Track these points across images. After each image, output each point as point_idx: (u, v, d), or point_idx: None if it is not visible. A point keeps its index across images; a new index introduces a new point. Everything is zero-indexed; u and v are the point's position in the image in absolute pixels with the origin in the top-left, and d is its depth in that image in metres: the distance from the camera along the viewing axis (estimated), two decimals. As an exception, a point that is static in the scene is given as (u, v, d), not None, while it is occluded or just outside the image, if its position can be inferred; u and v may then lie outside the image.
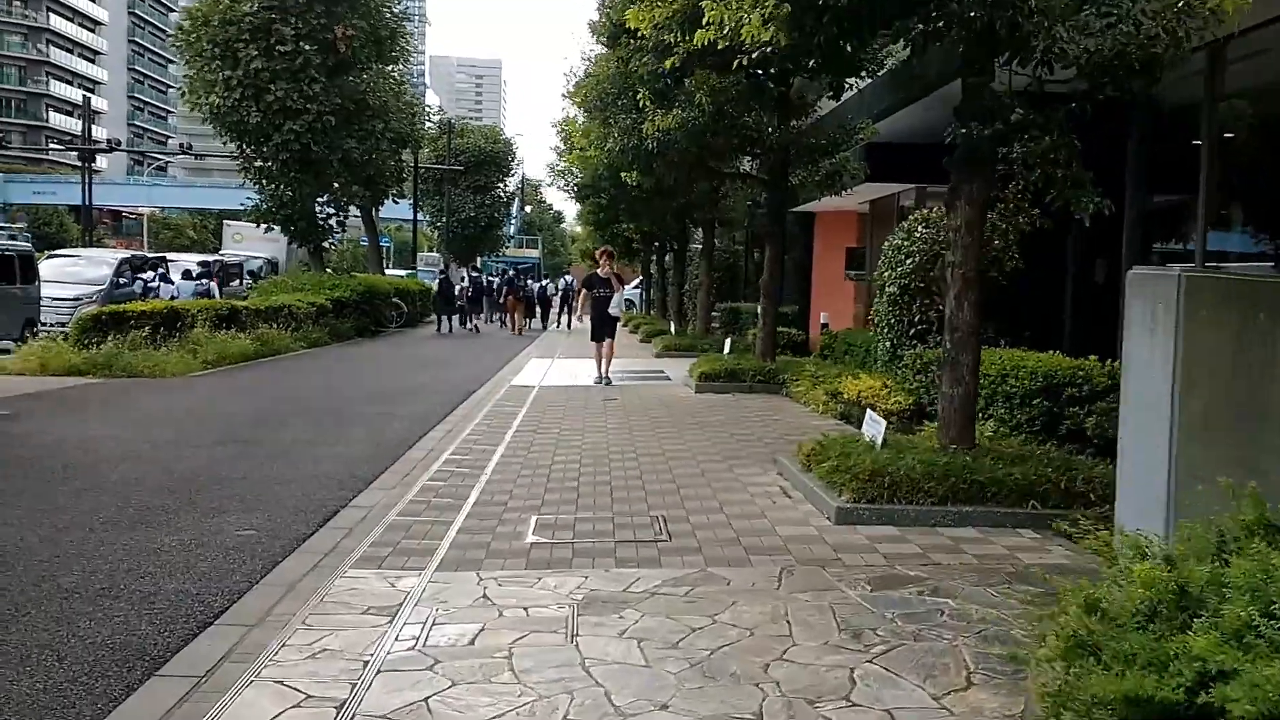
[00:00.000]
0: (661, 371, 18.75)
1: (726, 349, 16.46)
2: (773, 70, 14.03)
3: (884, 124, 16.40)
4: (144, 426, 11.01)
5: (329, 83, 28.69)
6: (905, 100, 15.97)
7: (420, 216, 53.23)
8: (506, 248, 73.84)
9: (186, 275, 25.91)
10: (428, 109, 38.75)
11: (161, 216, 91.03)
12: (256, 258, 38.01)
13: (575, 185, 25.08)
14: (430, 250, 70.03)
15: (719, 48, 8.11)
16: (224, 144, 31.41)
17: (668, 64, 11.08)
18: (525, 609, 5.07)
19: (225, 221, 49.68)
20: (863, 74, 13.98)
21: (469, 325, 34.77)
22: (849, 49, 8.86)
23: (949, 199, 7.62)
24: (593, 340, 16.26)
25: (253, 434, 10.65)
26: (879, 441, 7.55)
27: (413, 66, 41.99)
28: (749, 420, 11.99)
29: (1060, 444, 8.10)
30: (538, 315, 40.48)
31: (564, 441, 10.35)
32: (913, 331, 10.96)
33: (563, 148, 25.70)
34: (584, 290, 16.70)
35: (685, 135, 13.55)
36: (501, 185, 65.98)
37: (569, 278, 46.02)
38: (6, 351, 17.36)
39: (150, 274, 26.30)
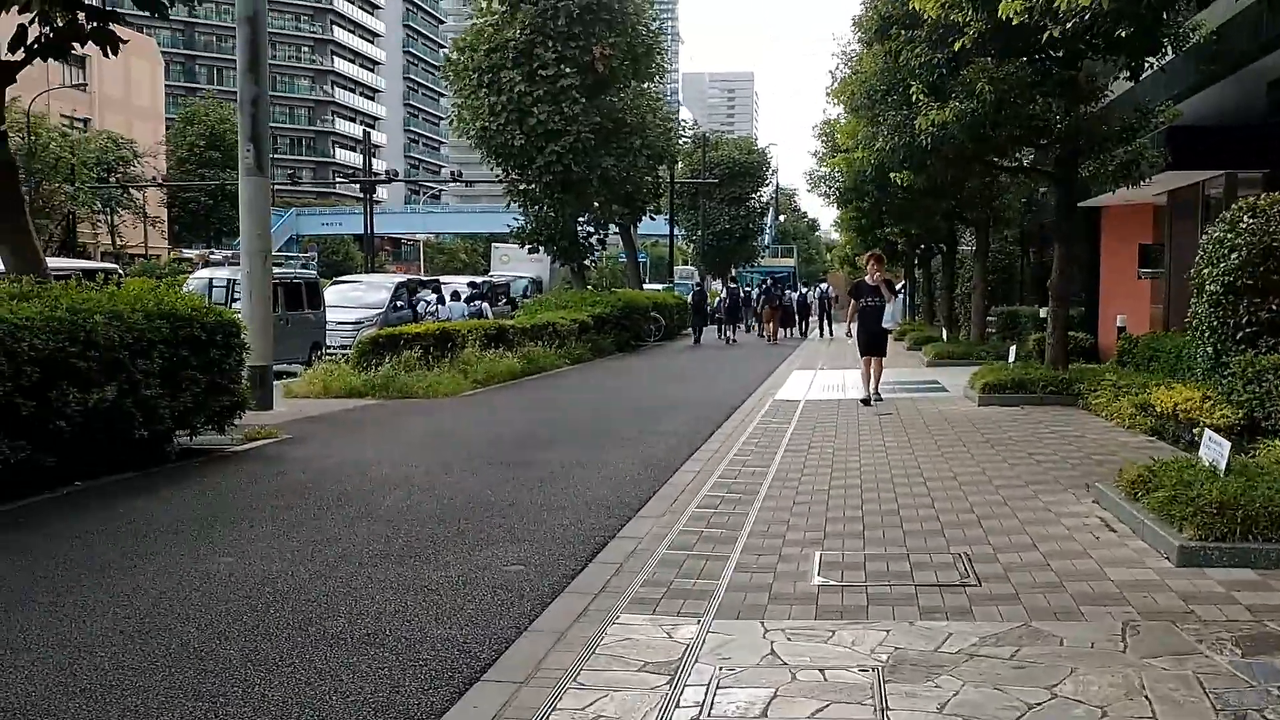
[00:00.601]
0: (936, 382, 17.61)
1: (1011, 356, 15.19)
2: (1060, 53, 12.83)
3: (1184, 105, 14.78)
4: (416, 449, 11.06)
5: (588, 103, 29.07)
6: (1210, 78, 14.34)
7: (676, 230, 53.54)
8: (762, 257, 73.35)
9: (456, 297, 26.74)
10: (682, 124, 38.75)
11: (436, 242, 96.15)
12: (522, 277, 39.12)
13: (837, 190, 24.17)
14: (685, 264, 70.62)
15: (1014, 23, 7.25)
16: (490, 168, 32.41)
17: (956, 45, 10.17)
18: (821, 671, 4.39)
19: (493, 244, 51.62)
20: (1164, 50, 12.57)
21: (725, 336, 34.25)
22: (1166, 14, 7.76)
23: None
24: (862, 356, 14.66)
25: (520, 455, 10.46)
26: (1222, 467, 6.40)
27: (667, 83, 42.20)
28: (1045, 437, 10.83)
29: None
30: (796, 324, 39.55)
31: (839, 463, 9.59)
32: (1240, 335, 9.53)
33: (823, 152, 24.92)
34: (851, 300, 15.01)
35: (963, 129, 12.51)
36: (756, 195, 65.75)
37: (826, 285, 45.00)
38: (295, 374, 18.21)
39: (425, 297, 27.36)
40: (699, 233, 60.96)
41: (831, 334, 37.03)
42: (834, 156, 21.27)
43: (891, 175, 14.99)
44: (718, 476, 9.06)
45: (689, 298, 36.56)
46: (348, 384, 16.28)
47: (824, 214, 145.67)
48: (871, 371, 14.51)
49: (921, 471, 9.01)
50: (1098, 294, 21.24)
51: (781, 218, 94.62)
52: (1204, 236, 10.15)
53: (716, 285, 62.95)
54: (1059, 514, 7.18)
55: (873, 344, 14.43)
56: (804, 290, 43.10)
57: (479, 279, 36.83)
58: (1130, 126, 13.59)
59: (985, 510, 7.38)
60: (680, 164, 49.00)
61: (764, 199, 68.58)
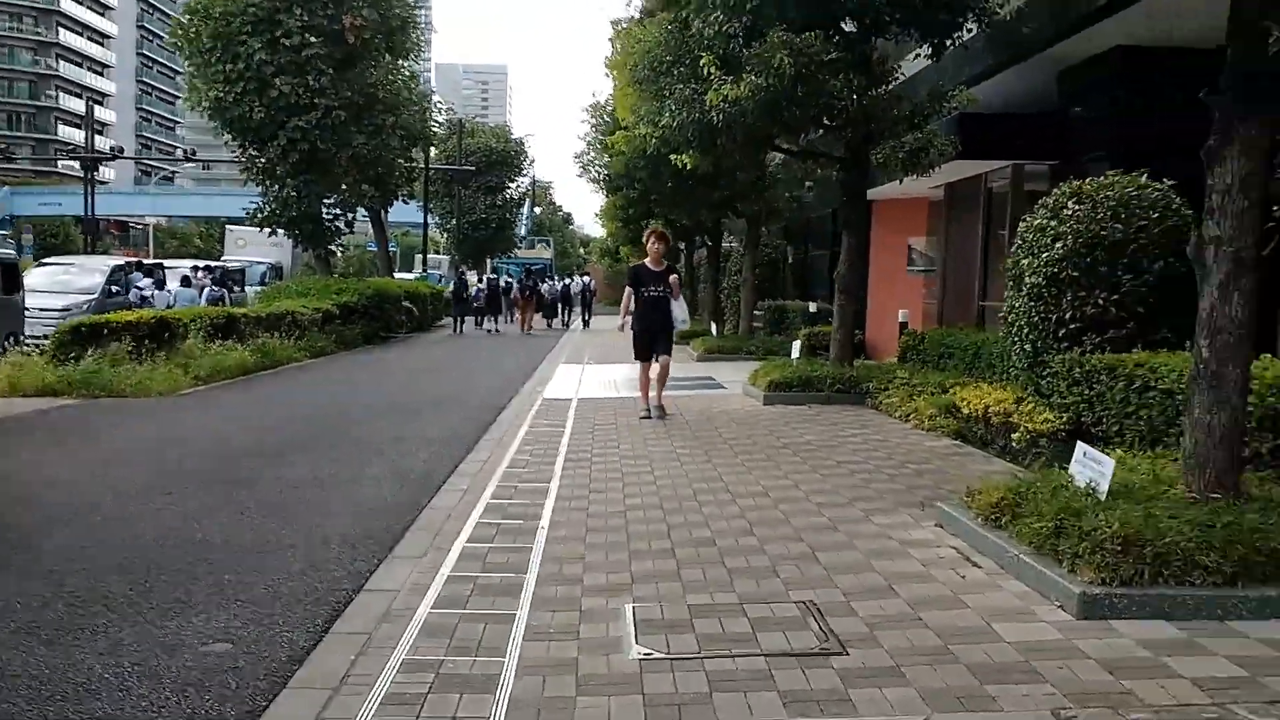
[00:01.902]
0: (711, 378, 16.63)
1: (795, 352, 14.28)
2: (856, 26, 11.97)
3: (975, 91, 14.25)
4: (111, 464, 8.88)
5: (337, 76, 26.63)
6: (1005, 63, 13.85)
7: (430, 219, 51.15)
8: (518, 249, 71.73)
9: (185, 282, 23.88)
10: (439, 105, 36.60)
11: (168, 225, 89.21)
12: (260, 263, 36.01)
13: (606, 175, 22.90)
14: (437, 253, 68.11)
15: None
16: (226, 144, 29.34)
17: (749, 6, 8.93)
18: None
19: (228, 227, 47.69)
20: (967, 28, 11.89)
21: (486, 327, 34.00)
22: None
23: (1214, 147, 5.44)
24: (638, 360, 11.83)
25: (243, 471, 8.53)
26: (1104, 489, 5.39)
27: (421, 65, 39.89)
28: (848, 442, 9.83)
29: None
30: (559, 315, 38.77)
31: (631, 476, 8.21)
32: (1063, 332, 8.78)
33: (592, 134, 23.64)
34: (628, 289, 11.87)
35: (758, 106, 11.40)
36: (513, 185, 64.16)
37: (587, 278, 44.06)
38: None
39: (147, 282, 24.32)
40: (454, 221, 58.68)
41: (588, 325, 38.05)
42: (610, 136, 19.99)
43: (674, 157, 13.78)
44: (490, 497, 7.49)
45: (448, 287, 35.38)
46: (40, 380, 13.66)
47: (579, 207, 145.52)
48: (653, 378, 11.80)
49: (727, 486, 7.74)
50: (867, 289, 20.88)
51: (538, 209, 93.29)
52: (1022, 224, 9.38)
53: (472, 276, 61.11)
54: (903, 542, 6.03)
55: (654, 344, 11.64)
56: (566, 282, 42.06)
57: (213, 264, 33.59)
58: (923, 111, 12.91)
59: (816, 539, 6.15)
60: (435, 150, 46.79)
61: (521, 189, 66.97)
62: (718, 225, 26.28)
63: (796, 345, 14.47)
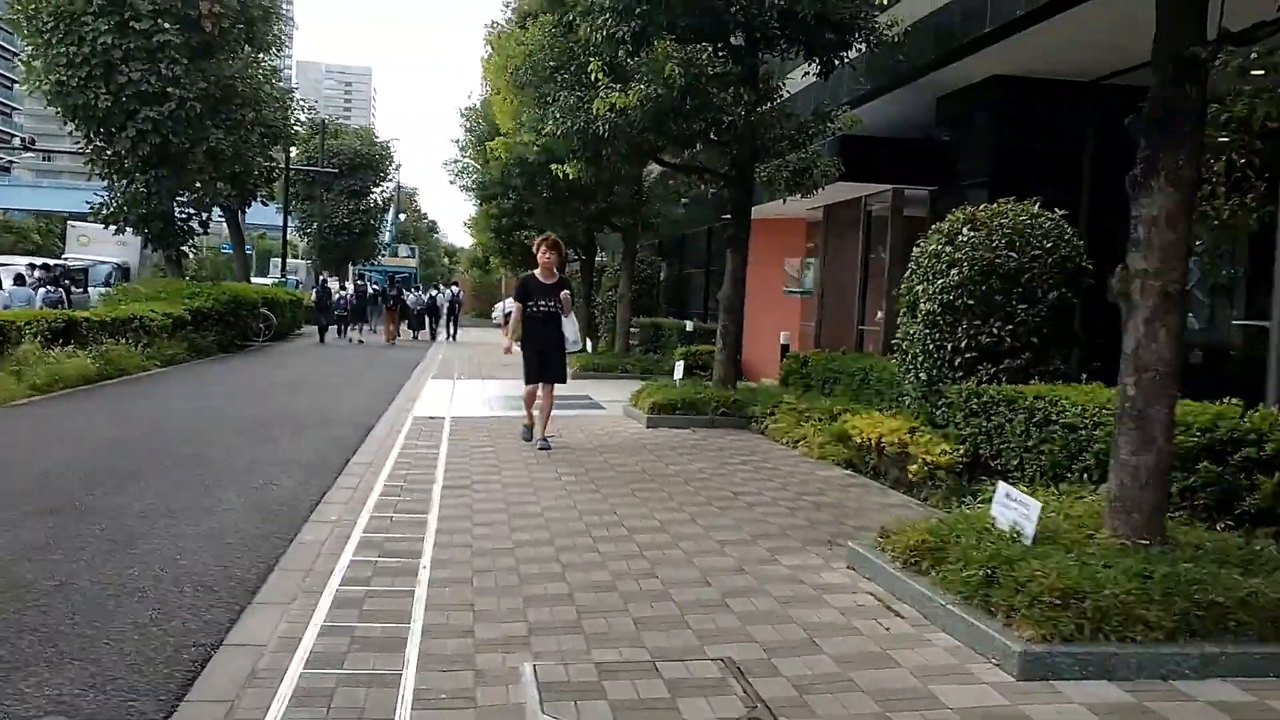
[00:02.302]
0: (589, 397, 16.17)
1: (678, 373, 13.92)
2: (744, 40, 11.71)
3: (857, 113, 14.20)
4: (-74, 486, 7.91)
5: (192, 65, 25.27)
6: (886, 86, 13.81)
7: (289, 222, 49.38)
8: (382, 256, 70.01)
9: (19, 280, 22.26)
10: (301, 103, 35.24)
11: (3, 219, 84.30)
12: (105, 262, 34.08)
13: (480, 183, 22.23)
14: (295, 258, 65.96)
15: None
16: (70, 134, 27.57)
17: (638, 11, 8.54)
18: None
19: (70, 223, 45.11)
20: (855, 48, 11.76)
21: (350, 336, 33.11)
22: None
23: (1139, 178, 5.21)
24: (528, 383, 10.71)
25: (84, 498, 7.67)
26: (1030, 533, 5.11)
27: (282, 61, 38.38)
28: (738, 470, 9.49)
29: (1239, 526, 5.83)
30: (426, 325, 37.80)
31: (516, 507, 7.67)
32: (959, 361, 8.62)
33: (466, 140, 22.92)
34: (516, 304, 10.77)
35: (645, 116, 11.04)
36: (377, 191, 62.65)
37: (455, 288, 43.13)
38: None
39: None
40: (315, 225, 56.86)
41: (456, 337, 37.35)
42: (485, 142, 19.32)
43: (554, 167, 13.29)
44: (363, 529, 6.85)
45: (308, 293, 34.32)
46: None
47: (444, 215, 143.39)
48: (541, 401, 10.72)
49: (621, 520, 7.27)
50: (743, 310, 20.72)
51: (402, 216, 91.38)
52: (916, 249, 9.21)
53: (334, 283, 59.39)
54: (817, 587, 5.66)
55: (546, 366, 10.60)
56: (434, 292, 41.07)
57: (53, 262, 31.60)
58: (807, 130, 12.74)
59: (724, 582, 5.73)
60: (296, 150, 45.19)
61: (385, 195, 65.38)
62: (591, 239, 25.87)
63: (679, 366, 14.12)
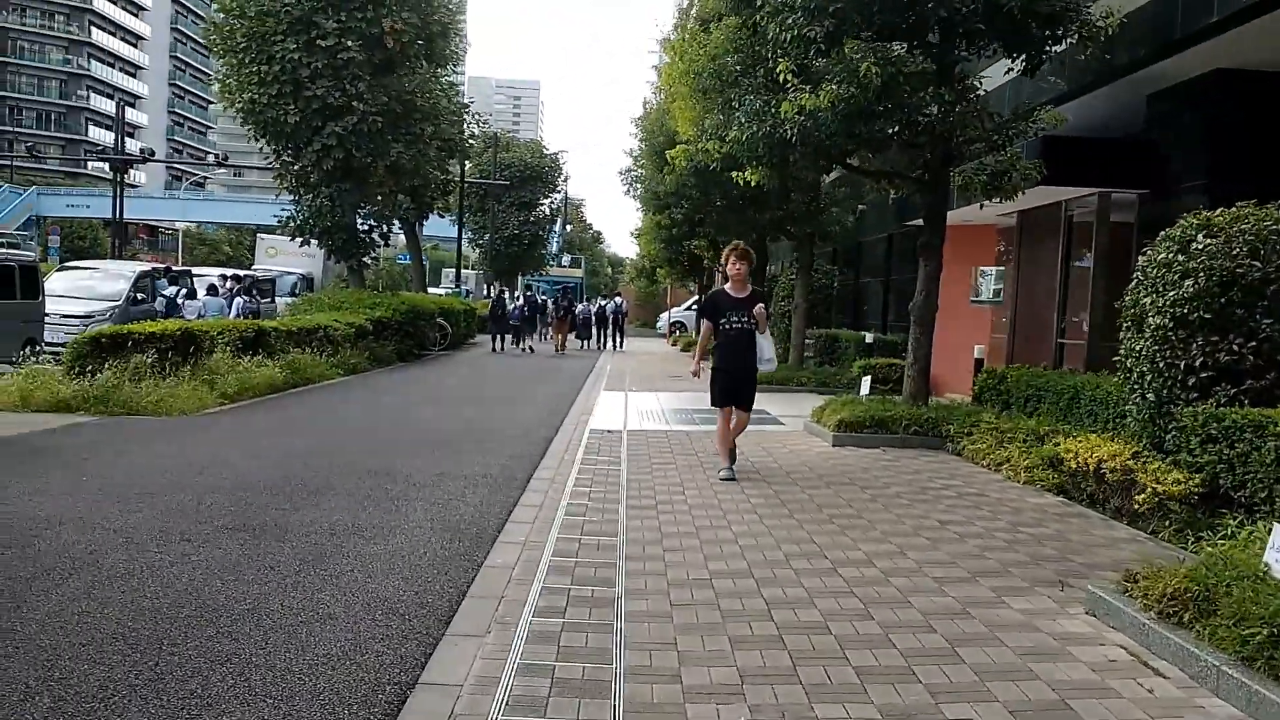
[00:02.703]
0: (766, 411, 15.65)
1: (864, 389, 13.31)
2: (939, 36, 11.06)
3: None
4: (124, 500, 7.95)
5: (374, 82, 25.92)
6: (1091, 84, 12.91)
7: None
8: (550, 266, 71.00)
9: (211, 290, 23.17)
10: (476, 116, 35.85)
11: (198, 232, 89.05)
12: (291, 273, 35.35)
13: (657, 192, 22.01)
14: (466, 268, 67.39)
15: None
16: (260, 149, 28.67)
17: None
18: None
19: (259, 235, 47.10)
20: (1068, 38, 10.98)
21: (522, 345, 33.78)
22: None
23: None
24: (716, 405, 9.71)
25: (274, 513, 7.62)
26: (1324, 588, 4.41)
27: (456, 76, 39.11)
28: (941, 496, 8.86)
29: None
30: (594, 336, 38.06)
31: (707, 532, 7.26)
32: (1192, 381, 7.80)
33: (641, 150, 22.73)
34: (703, 321, 9.87)
35: (838, 118, 10.51)
36: (545, 203, 63.49)
37: (619, 299, 43.27)
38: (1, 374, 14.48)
39: (173, 289, 23.64)
40: (486, 236, 57.98)
41: (622, 347, 37.84)
42: (663, 151, 19.11)
43: (735, 174, 12.87)
44: (552, 554, 6.55)
45: (479, 303, 35.19)
46: (54, 394, 12.86)
47: (609, 226, 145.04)
48: (731, 428, 9.69)
49: (822, 550, 6.77)
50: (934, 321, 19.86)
51: (569, 227, 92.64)
52: (1143, 258, 8.42)
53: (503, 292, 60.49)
54: (1057, 637, 5.05)
55: (736, 388, 9.53)
56: (602, 303, 41.34)
57: (243, 273, 32.96)
58: (1006, 130, 11.97)
59: (950, 628, 5.18)
60: (469, 163, 46.07)
61: (553, 206, 66.24)
62: (764, 248, 25.35)
63: (865, 381, 13.51)
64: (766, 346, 9.53)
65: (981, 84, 12.75)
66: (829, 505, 8.34)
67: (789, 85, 10.56)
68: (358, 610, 5.35)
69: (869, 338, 19.42)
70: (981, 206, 12.96)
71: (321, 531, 7.06)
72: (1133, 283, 8.46)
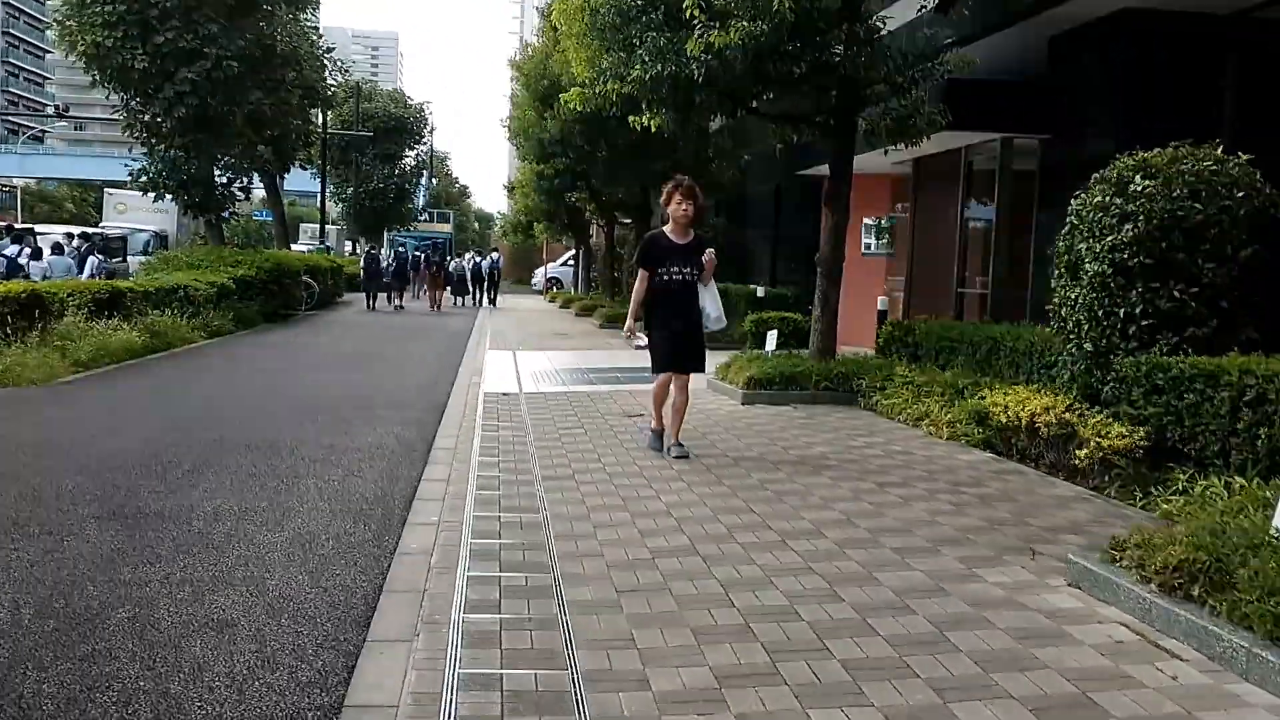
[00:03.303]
0: (661, 369, 15.13)
1: (770, 344, 12.84)
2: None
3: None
4: (-32, 482, 6.98)
5: (230, 24, 24.28)
6: (995, 25, 12.63)
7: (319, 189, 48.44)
8: (417, 222, 69.05)
9: (57, 249, 21.46)
10: (338, 63, 34.12)
11: (38, 189, 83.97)
12: (143, 230, 33.26)
13: (540, 140, 21.10)
14: (330, 224, 65.08)
15: None
16: (106, 96, 26.65)
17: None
18: None
19: (107, 191, 44.37)
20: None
21: (396, 303, 32.83)
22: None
23: None
24: (659, 371, 8.30)
25: (146, 497, 6.73)
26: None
27: (315, 21, 37.15)
28: (866, 454, 8.45)
29: None
30: (470, 292, 37.11)
31: (636, 505, 6.65)
32: (1133, 329, 7.51)
33: (519, 95, 21.80)
34: (640, 270, 8.18)
35: (747, 57, 9.93)
36: (410, 155, 61.66)
37: (496, 254, 42.22)
38: None
39: (15, 249, 21.83)
40: (350, 190, 55.93)
41: (497, 304, 37.06)
42: (543, 98, 18.31)
43: (632, 119, 12.18)
44: (471, 535, 5.86)
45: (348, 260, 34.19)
46: (-118, 368, 11.50)
47: (477, 181, 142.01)
48: (674, 397, 8.26)
49: (764, 521, 6.24)
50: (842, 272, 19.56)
51: (435, 181, 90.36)
52: (1076, 200, 8.07)
53: (358, 250, 58.78)
54: (1049, 615, 4.62)
55: (684, 350, 8.17)
56: (477, 259, 40.25)
57: (91, 230, 30.86)
58: (913, 73, 11.58)
59: (929, 608, 4.69)
60: (330, 114, 44.12)
61: (419, 158, 64.24)
62: (646, 199, 24.75)
63: (772, 336, 13.02)
64: (712, 302, 8.20)
65: (885, 24, 12.33)
66: (756, 469, 7.83)
67: (695, 22, 9.90)
68: (259, 614, 4.60)
69: (761, 291, 19.03)
70: (886, 153, 12.58)
71: (205, 517, 6.22)
72: (1066, 228, 8.13)
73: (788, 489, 7.13)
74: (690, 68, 10.20)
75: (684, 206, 8.07)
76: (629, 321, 8.40)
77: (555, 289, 44.40)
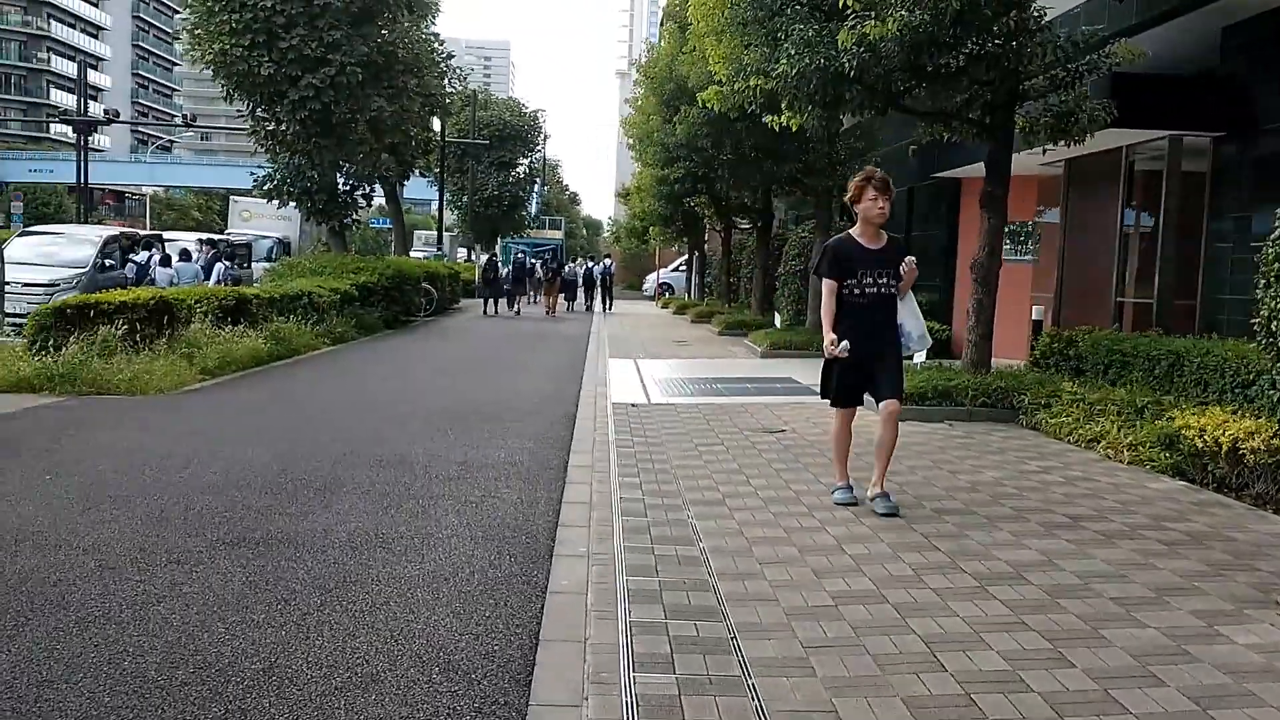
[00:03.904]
0: (791, 379, 14.48)
1: (920, 355, 12.03)
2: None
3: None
4: (98, 503, 6.65)
5: (353, 31, 24.35)
6: (1165, 13, 11.68)
7: (435, 196, 48.78)
8: (531, 228, 69.31)
9: (184, 256, 21.67)
10: (458, 70, 34.17)
11: (165, 196, 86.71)
12: (267, 237, 33.71)
13: (665, 144, 20.57)
14: (445, 230, 65.66)
15: None
16: (231, 104, 27.00)
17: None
18: None
19: (232, 198, 45.33)
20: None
21: (514, 309, 33.22)
22: None
23: None
24: (840, 405, 6.85)
25: (277, 520, 6.33)
26: None
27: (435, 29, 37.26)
28: (1045, 482, 7.66)
29: None
30: (580, 298, 37.02)
31: (800, 537, 6.02)
32: (1364, 347, 6.64)
33: (643, 99, 21.33)
34: (825, 281, 6.63)
35: (904, 49, 9.24)
36: (526, 162, 61.85)
37: (609, 261, 42.00)
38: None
39: (145, 255, 22.13)
40: (465, 198, 56.29)
41: (611, 309, 36.64)
42: (668, 101, 17.79)
43: (769, 119, 11.56)
44: (627, 570, 5.30)
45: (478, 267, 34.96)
46: (14, 372, 11.48)
47: (585, 188, 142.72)
48: (880, 435, 6.72)
49: (951, 559, 5.55)
50: (954, 279, 18.69)
51: (546, 188, 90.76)
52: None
53: (473, 257, 59.32)
54: (1332, 692, 3.86)
55: (875, 377, 6.68)
56: (590, 265, 40.16)
57: (217, 237, 31.39)
58: (1077, 65, 10.72)
59: (1178, 675, 3.95)
60: (446, 122, 44.37)
61: (532, 166, 64.40)
62: (768, 202, 24.07)
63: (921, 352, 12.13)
64: (912, 318, 6.71)
65: (1044, 14, 11.49)
66: (928, 497, 7.13)
67: (848, 10, 9.24)
68: (406, 667, 4.09)
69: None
70: (1044, 152, 11.70)
71: (340, 544, 5.78)
72: (1275, 232, 7.25)
73: (969, 521, 6.42)
74: (840, 61, 9.54)
75: (879, 204, 6.61)
76: (827, 335, 6.60)
77: (667, 295, 43.90)
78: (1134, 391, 9.28)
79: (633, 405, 11.78)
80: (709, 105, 11.47)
